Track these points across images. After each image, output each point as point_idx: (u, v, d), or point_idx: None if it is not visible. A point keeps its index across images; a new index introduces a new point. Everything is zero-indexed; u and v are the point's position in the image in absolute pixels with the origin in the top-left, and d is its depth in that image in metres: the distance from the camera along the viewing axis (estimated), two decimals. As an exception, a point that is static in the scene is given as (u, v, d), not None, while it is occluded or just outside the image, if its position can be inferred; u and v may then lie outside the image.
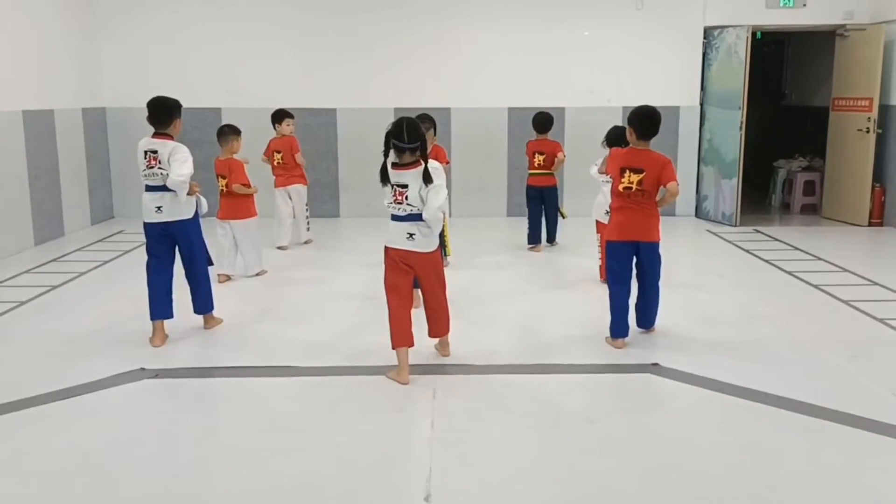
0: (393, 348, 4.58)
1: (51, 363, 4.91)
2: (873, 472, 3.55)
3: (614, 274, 5.22)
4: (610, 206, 5.35)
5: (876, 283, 6.74)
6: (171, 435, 3.95)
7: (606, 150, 6.16)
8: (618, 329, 5.19)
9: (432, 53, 10.00)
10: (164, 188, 5.13)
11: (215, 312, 5.64)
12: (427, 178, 4.38)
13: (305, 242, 8.49)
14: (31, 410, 4.20)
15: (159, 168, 5.09)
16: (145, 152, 5.14)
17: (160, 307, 5.25)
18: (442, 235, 4.95)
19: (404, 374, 4.55)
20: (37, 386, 4.49)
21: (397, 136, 4.36)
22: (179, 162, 5.06)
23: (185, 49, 9.96)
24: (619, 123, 6.41)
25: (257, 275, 7.08)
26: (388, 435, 3.93)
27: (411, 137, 4.35)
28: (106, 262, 7.66)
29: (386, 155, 4.47)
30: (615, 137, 6.18)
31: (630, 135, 5.10)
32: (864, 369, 4.78)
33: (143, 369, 4.76)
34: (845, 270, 7.21)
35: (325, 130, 10.05)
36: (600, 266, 6.64)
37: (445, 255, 5.90)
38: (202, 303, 5.52)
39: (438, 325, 4.85)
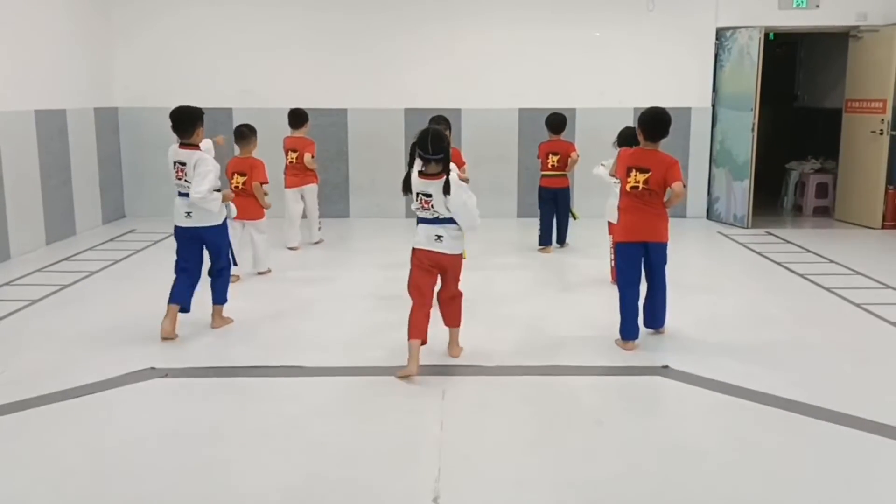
0: (408, 340, 4.61)
1: (61, 362, 4.93)
2: (885, 478, 3.52)
3: (624, 275, 5.22)
4: (618, 207, 5.34)
5: (889, 287, 6.68)
6: (179, 435, 3.95)
7: (617, 151, 6.16)
8: (628, 331, 5.17)
9: (443, 54, 9.99)
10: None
11: (225, 313, 5.68)
12: (446, 191, 4.49)
13: (316, 243, 8.49)
14: (41, 409, 4.21)
15: (186, 180, 5.25)
16: (174, 163, 5.29)
17: (180, 293, 5.35)
18: None
19: (413, 365, 4.55)
20: (47, 384, 4.51)
21: (422, 146, 4.46)
22: (200, 177, 5.14)
23: (196, 50, 9.99)
24: (631, 125, 6.39)
25: (261, 273, 7.11)
26: (396, 436, 3.92)
27: (435, 148, 4.46)
28: (117, 262, 7.69)
29: (411, 165, 4.58)
30: (626, 138, 6.16)
31: (639, 135, 5.14)
32: (877, 373, 4.75)
33: (152, 368, 4.77)
34: (858, 273, 7.16)
35: (336, 131, 10.05)
36: (612, 268, 6.64)
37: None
38: (219, 295, 5.61)
39: (451, 314, 4.89)
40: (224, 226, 5.48)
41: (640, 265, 5.20)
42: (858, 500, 3.35)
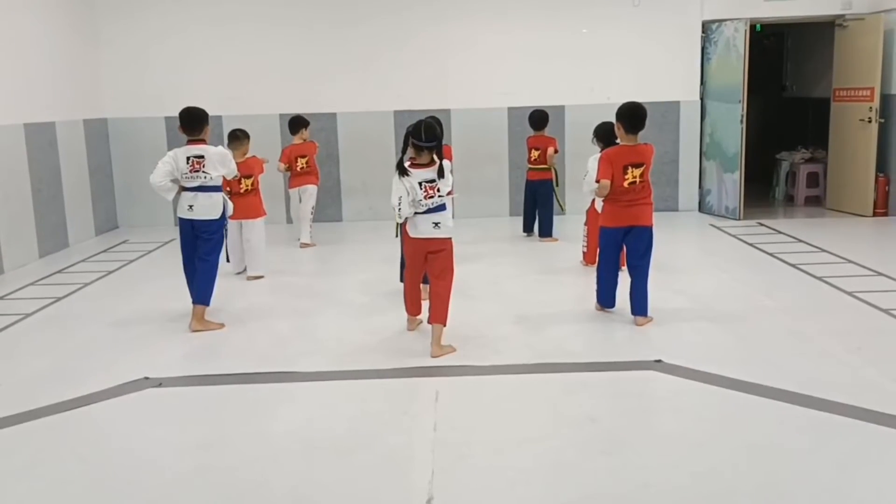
0: (407, 315, 5.45)
1: (56, 374, 4.93)
2: (880, 466, 3.53)
3: (606, 258, 5.62)
4: (608, 198, 5.50)
5: (881, 274, 6.70)
6: (174, 444, 3.96)
7: (597, 146, 6.44)
8: (605, 300, 5.75)
9: (431, 55, 9.99)
10: (197, 189, 5.51)
11: (218, 318, 5.73)
12: (441, 174, 4.89)
13: (303, 245, 8.54)
14: (36, 422, 4.21)
15: (203, 171, 5.49)
16: (188, 158, 5.49)
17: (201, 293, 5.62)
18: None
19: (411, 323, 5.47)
20: (42, 397, 4.51)
21: (416, 135, 4.85)
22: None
23: (184, 58, 9.98)
24: (608, 120, 6.45)
25: (254, 278, 7.12)
26: (390, 437, 3.93)
27: (428, 136, 4.85)
28: (111, 273, 7.68)
29: (404, 151, 4.96)
30: (606, 133, 6.32)
31: (618, 129, 5.43)
32: (870, 361, 4.76)
33: (146, 378, 4.77)
34: (849, 262, 7.18)
35: (326, 135, 10.04)
36: (584, 251, 7.23)
37: None
38: (199, 292, 5.65)
39: (437, 311, 5.00)
40: (221, 222, 5.63)
41: (620, 247, 5.59)
42: (856, 489, 3.35)
